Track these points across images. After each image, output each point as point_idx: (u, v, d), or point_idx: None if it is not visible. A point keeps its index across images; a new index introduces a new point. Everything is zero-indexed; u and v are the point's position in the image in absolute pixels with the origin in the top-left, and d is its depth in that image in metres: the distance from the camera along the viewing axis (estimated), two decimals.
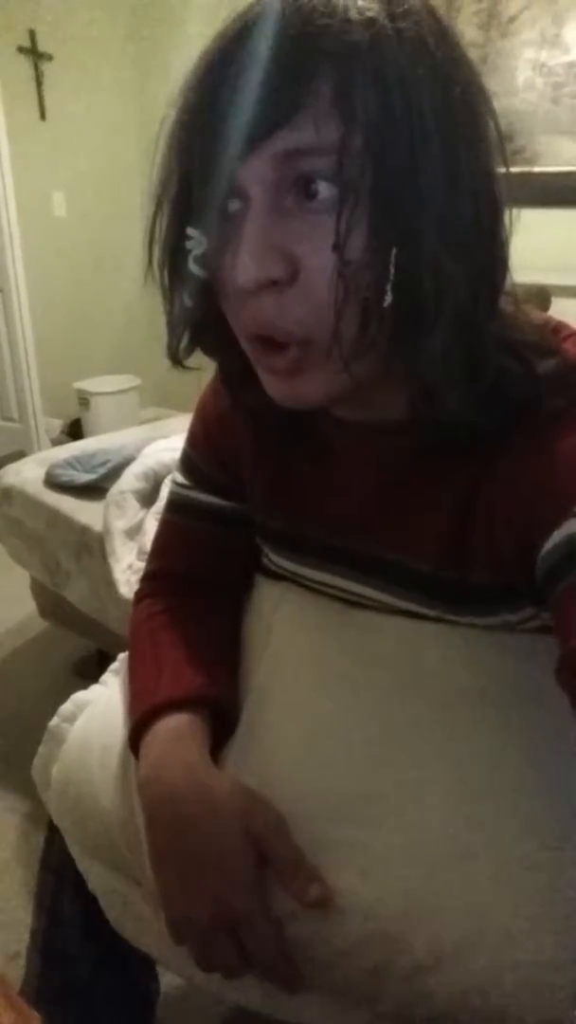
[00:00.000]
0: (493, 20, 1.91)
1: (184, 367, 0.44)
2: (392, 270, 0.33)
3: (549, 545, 0.37)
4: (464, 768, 0.43)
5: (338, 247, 0.33)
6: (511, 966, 0.37)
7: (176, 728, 0.47)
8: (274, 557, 0.57)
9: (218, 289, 0.39)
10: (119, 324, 2.93)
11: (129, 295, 2.90)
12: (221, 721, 0.50)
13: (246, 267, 0.34)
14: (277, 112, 0.32)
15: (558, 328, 0.42)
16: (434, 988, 0.39)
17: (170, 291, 0.40)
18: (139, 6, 2.66)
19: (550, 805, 0.42)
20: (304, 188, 0.34)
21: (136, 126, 2.81)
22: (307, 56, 0.32)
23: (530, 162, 1.86)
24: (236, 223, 0.36)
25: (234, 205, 0.36)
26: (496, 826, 0.41)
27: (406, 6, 0.33)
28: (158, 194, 0.39)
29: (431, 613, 0.49)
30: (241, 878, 0.41)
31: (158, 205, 0.39)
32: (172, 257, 0.39)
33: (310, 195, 0.34)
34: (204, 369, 0.46)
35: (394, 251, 0.33)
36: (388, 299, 0.33)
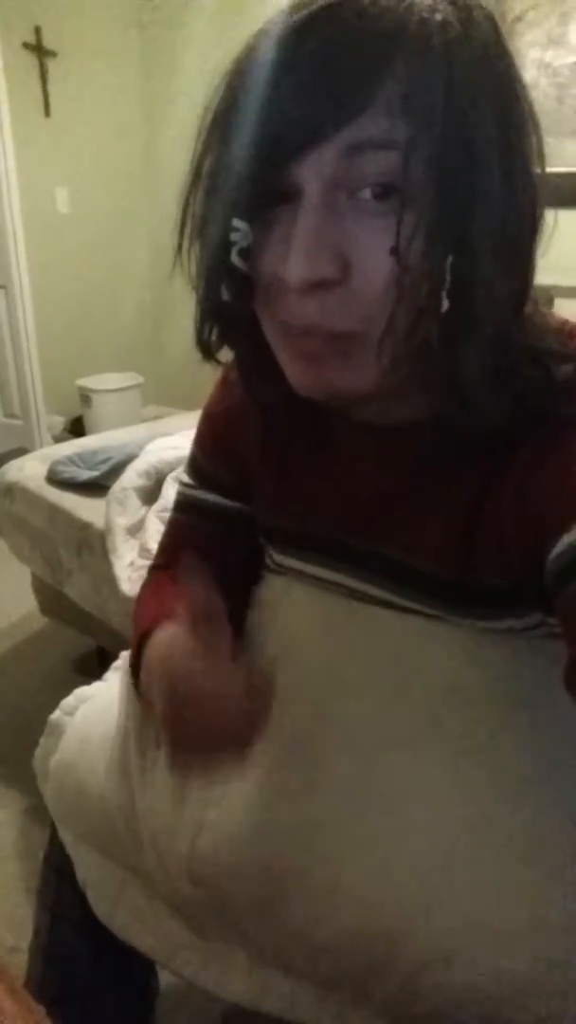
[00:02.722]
0: (499, 20, 1.90)
1: (217, 361, 0.43)
2: (448, 278, 0.33)
3: (558, 550, 0.37)
4: (465, 770, 0.44)
5: (397, 251, 0.32)
6: (508, 966, 0.38)
7: (173, 631, 0.46)
8: (278, 556, 0.57)
9: (253, 279, 0.38)
10: (122, 321, 2.93)
11: (132, 293, 2.90)
12: None
13: (297, 265, 0.34)
14: (346, 106, 0.31)
15: (574, 332, 0.42)
16: (430, 986, 0.39)
17: (201, 281, 0.39)
18: (144, 3, 2.66)
19: (551, 807, 0.42)
20: (362, 187, 0.33)
21: (140, 123, 2.81)
22: (380, 52, 0.31)
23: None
24: (281, 216, 0.35)
25: (283, 198, 0.35)
26: (497, 828, 0.41)
27: (474, 12, 0.33)
28: (192, 179, 0.37)
29: (434, 614, 0.49)
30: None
31: (191, 189, 0.38)
32: (206, 246, 0.38)
33: (373, 195, 0.33)
34: (222, 362, 0.45)
35: (450, 258, 0.32)
36: (445, 305, 0.33)
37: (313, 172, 0.33)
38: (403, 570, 0.48)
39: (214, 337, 0.41)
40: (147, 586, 0.59)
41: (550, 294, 1.53)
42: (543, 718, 0.45)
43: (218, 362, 0.43)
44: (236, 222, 0.35)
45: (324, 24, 0.32)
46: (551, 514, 0.38)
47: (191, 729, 0.40)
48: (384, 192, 0.33)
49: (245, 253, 0.36)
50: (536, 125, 0.35)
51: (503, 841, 0.41)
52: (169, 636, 0.46)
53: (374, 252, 0.33)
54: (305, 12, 0.32)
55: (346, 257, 0.34)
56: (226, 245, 0.35)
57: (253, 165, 0.34)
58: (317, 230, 0.33)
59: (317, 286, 0.34)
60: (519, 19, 1.89)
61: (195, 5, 2.48)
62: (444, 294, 0.33)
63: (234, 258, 0.35)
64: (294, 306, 0.36)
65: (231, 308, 0.38)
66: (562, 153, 1.85)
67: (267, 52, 0.33)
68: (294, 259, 0.34)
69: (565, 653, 0.37)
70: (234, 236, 0.35)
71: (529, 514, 0.40)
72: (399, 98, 0.31)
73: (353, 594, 0.53)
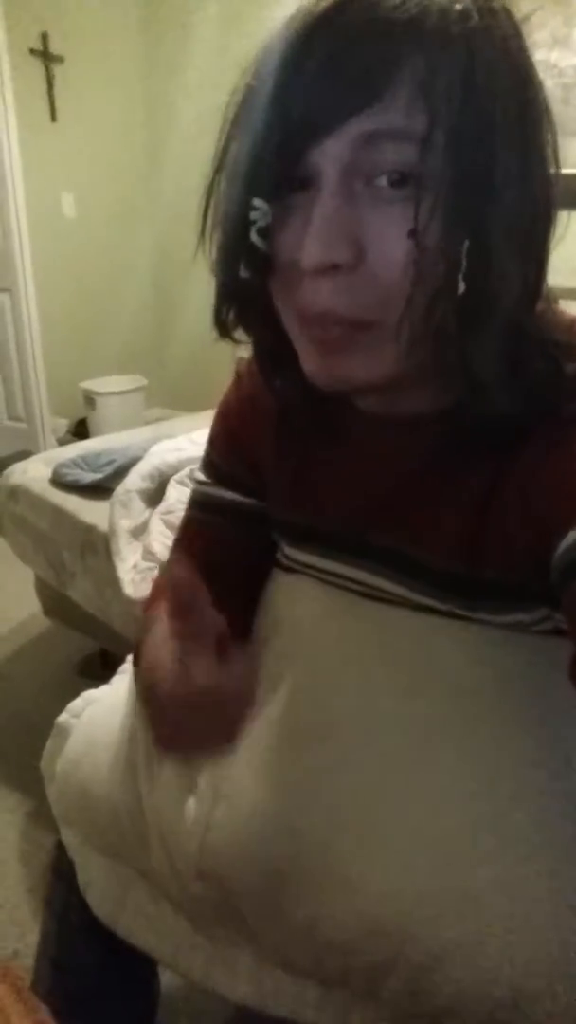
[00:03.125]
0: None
1: (234, 340, 0.44)
2: (464, 262, 0.33)
3: (564, 545, 0.37)
4: (474, 768, 0.43)
5: (416, 234, 0.33)
6: (513, 966, 0.37)
7: (161, 631, 0.48)
8: (289, 551, 0.57)
9: (271, 263, 0.38)
10: (126, 325, 2.94)
11: (136, 296, 2.91)
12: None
13: (313, 249, 0.34)
14: (364, 93, 0.32)
15: None
16: (436, 985, 0.39)
17: (225, 263, 0.40)
18: (150, 9, 2.67)
19: (560, 805, 0.41)
20: (379, 174, 0.34)
21: (145, 128, 2.83)
22: (400, 40, 0.31)
23: None
24: (299, 201, 0.36)
25: (302, 183, 0.35)
26: (505, 826, 0.41)
27: (493, 4, 0.33)
28: (217, 164, 0.38)
29: (443, 608, 0.49)
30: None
31: (216, 175, 0.38)
32: (229, 228, 0.38)
33: (389, 182, 0.34)
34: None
35: (467, 243, 0.33)
36: (461, 288, 0.33)
37: (330, 158, 0.34)
38: (414, 564, 0.48)
39: (231, 317, 0.42)
40: (159, 586, 0.59)
41: (555, 295, 1.53)
42: (552, 715, 0.45)
43: (234, 340, 0.44)
44: (256, 201, 0.36)
45: (344, 12, 0.32)
46: (556, 510, 0.38)
47: (174, 730, 0.44)
48: (401, 179, 0.33)
49: (264, 232, 0.36)
50: (551, 121, 0.36)
51: (511, 839, 0.40)
52: (155, 638, 0.48)
53: (389, 238, 0.34)
54: (325, 4, 0.33)
55: (362, 244, 0.35)
56: (246, 224, 0.36)
57: (273, 149, 0.34)
58: (333, 216, 0.34)
59: (331, 270, 0.35)
60: (524, 20, 1.89)
61: (200, 11, 2.49)
62: (460, 276, 0.33)
63: (253, 236, 0.36)
64: (309, 292, 0.37)
65: (249, 287, 0.39)
66: (567, 154, 1.85)
67: (288, 40, 0.34)
68: (309, 243, 0.34)
69: (571, 648, 0.37)
70: (253, 215, 0.36)
71: (535, 510, 0.40)
72: (417, 87, 0.31)
73: (364, 589, 0.53)
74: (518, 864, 0.40)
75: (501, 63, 0.33)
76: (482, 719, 0.46)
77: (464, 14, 0.32)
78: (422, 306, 0.34)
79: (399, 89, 0.32)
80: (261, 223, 0.36)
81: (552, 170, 0.35)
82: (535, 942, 0.38)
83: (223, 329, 0.43)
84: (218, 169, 0.39)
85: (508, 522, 0.42)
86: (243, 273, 0.38)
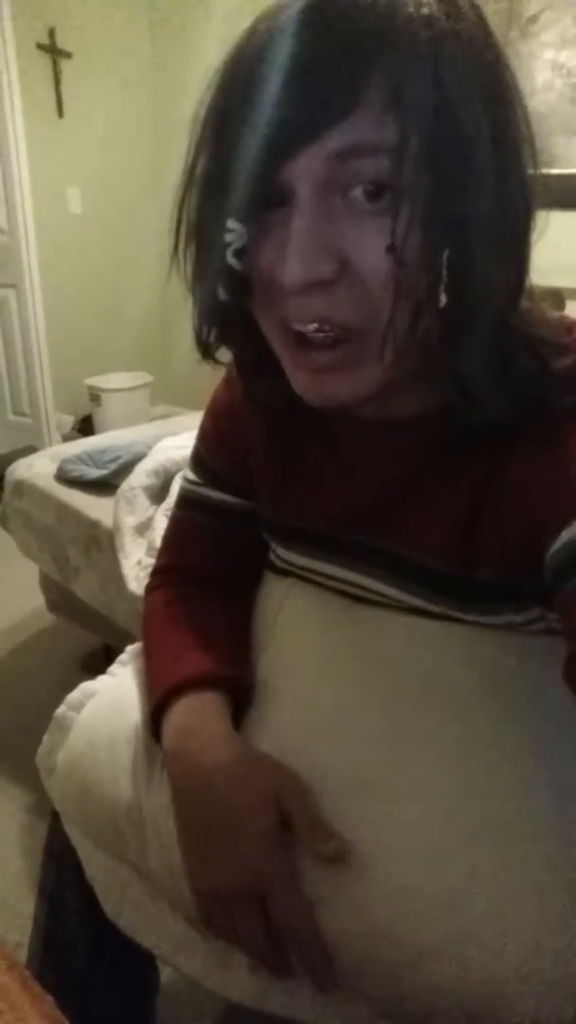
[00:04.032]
0: (513, 20, 1.90)
1: (215, 361, 0.44)
2: (445, 272, 0.33)
3: (557, 545, 0.37)
4: (465, 766, 0.43)
5: (394, 249, 0.32)
6: (506, 963, 0.37)
7: (198, 704, 0.48)
8: (281, 552, 0.57)
9: (250, 281, 0.38)
10: (132, 321, 2.94)
11: (142, 293, 2.91)
12: (240, 701, 0.51)
13: (294, 268, 0.34)
14: (333, 108, 0.31)
15: (573, 327, 0.42)
16: (422, 984, 0.39)
17: (201, 283, 0.39)
18: (158, 5, 2.67)
19: (551, 804, 0.41)
20: (356, 188, 0.33)
21: (153, 124, 2.82)
22: (367, 51, 0.31)
23: (547, 164, 1.85)
24: (276, 219, 0.35)
25: (277, 201, 0.35)
26: (495, 825, 0.41)
27: (459, 6, 0.32)
28: (187, 181, 0.38)
29: (436, 609, 0.49)
30: (268, 841, 0.41)
31: (185, 191, 0.38)
32: (204, 248, 0.38)
33: (368, 197, 0.33)
34: (221, 362, 0.45)
35: (446, 253, 0.32)
36: (443, 300, 0.33)
37: (304, 175, 0.33)
38: (406, 565, 0.48)
39: (213, 338, 0.42)
40: (158, 611, 0.58)
41: (561, 296, 1.52)
42: (545, 715, 0.45)
43: (216, 362, 0.44)
44: (230, 223, 0.35)
45: (309, 25, 0.31)
46: (548, 510, 0.38)
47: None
48: (377, 191, 0.33)
49: (240, 253, 0.36)
50: (527, 119, 0.35)
51: (501, 838, 0.41)
52: (194, 718, 0.47)
53: (371, 251, 0.34)
54: (290, 12, 0.32)
55: (343, 256, 0.34)
56: (222, 246, 0.36)
57: (245, 167, 0.34)
58: (311, 232, 0.34)
59: (315, 285, 0.34)
60: (533, 20, 1.88)
61: (207, 6, 2.49)
62: (442, 288, 0.33)
63: (229, 259, 0.36)
64: (296, 306, 0.36)
65: (229, 308, 0.39)
66: (574, 154, 1.85)
67: (255, 53, 0.33)
68: (290, 261, 0.34)
69: (564, 648, 0.37)
70: (229, 237, 0.35)
71: (528, 510, 0.40)
72: (387, 98, 0.31)
73: (357, 591, 0.54)
74: (507, 863, 0.40)
75: (471, 64, 0.32)
76: (473, 719, 0.46)
77: (430, 19, 0.31)
78: (406, 319, 0.34)
79: (369, 101, 0.31)
80: (237, 245, 0.35)
81: (530, 171, 0.35)
82: (522, 941, 0.38)
83: (205, 351, 0.42)
84: (188, 185, 0.38)
85: (500, 522, 0.42)
86: (222, 296, 0.38)
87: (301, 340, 0.38)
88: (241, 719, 0.50)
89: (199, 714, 0.48)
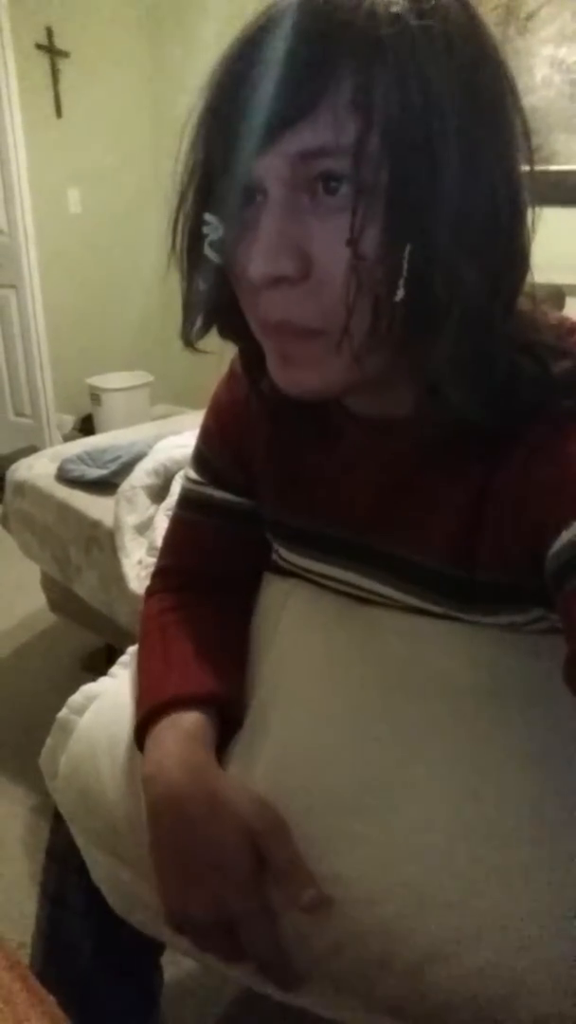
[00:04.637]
0: (511, 16, 1.89)
1: (196, 349, 0.44)
2: (405, 267, 0.33)
3: (557, 546, 0.37)
4: (469, 766, 0.43)
5: (352, 242, 0.33)
6: (509, 962, 0.37)
7: (181, 726, 0.47)
8: (284, 553, 0.57)
9: (234, 278, 0.39)
10: (132, 321, 2.94)
11: (142, 292, 2.91)
12: (227, 720, 0.50)
13: (258, 263, 0.35)
14: (294, 109, 0.32)
15: (574, 328, 0.42)
16: (431, 982, 0.39)
17: (188, 275, 0.41)
18: (155, 3, 2.66)
19: (553, 803, 0.41)
20: (320, 186, 0.34)
21: (151, 123, 2.82)
22: (328, 52, 0.31)
23: (547, 160, 1.85)
24: (253, 216, 0.36)
25: (253, 198, 0.36)
26: (498, 823, 0.41)
27: (438, 2, 0.32)
28: (183, 182, 0.39)
29: (438, 610, 0.49)
30: (240, 878, 0.41)
31: (183, 192, 0.39)
32: (192, 242, 0.39)
33: (327, 191, 0.34)
34: (218, 356, 0.46)
35: (408, 248, 0.33)
36: (400, 294, 0.33)
37: (271, 173, 0.34)
38: (407, 566, 0.48)
39: (196, 328, 0.43)
40: (153, 619, 0.58)
41: (561, 293, 1.52)
42: (546, 715, 0.45)
43: (196, 350, 0.45)
44: (207, 216, 0.37)
45: (279, 26, 0.32)
46: (549, 510, 0.38)
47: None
48: (336, 187, 0.33)
49: (218, 246, 0.37)
50: (520, 113, 0.35)
51: (505, 837, 0.40)
52: (176, 744, 0.47)
53: (333, 247, 0.34)
54: (269, 13, 0.33)
55: (308, 255, 0.35)
56: (202, 238, 0.37)
57: (220, 164, 0.35)
58: (277, 228, 0.34)
59: (279, 282, 0.35)
60: (532, 16, 1.88)
61: (205, 5, 2.48)
62: (400, 283, 0.33)
63: (207, 250, 0.37)
64: (263, 303, 0.37)
65: (210, 299, 0.40)
66: (575, 151, 1.85)
67: (236, 54, 0.34)
68: (255, 257, 0.35)
69: (565, 648, 0.37)
70: (205, 229, 0.37)
71: (528, 511, 0.40)
72: (347, 98, 0.31)
73: (359, 592, 0.53)
74: (510, 862, 0.40)
75: (443, 62, 0.31)
76: (476, 719, 0.46)
77: (395, 17, 0.31)
78: (366, 314, 0.34)
79: (330, 102, 0.31)
80: (213, 236, 0.37)
81: (521, 165, 0.35)
82: (530, 943, 0.37)
83: (187, 339, 0.43)
84: (181, 183, 0.39)
85: (501, 522, 0.42)
86: (202, 286, 0.39)
87: (278, 329, 0.39)
88: (228, 736, 0.49)
89: (181, 738, 0.47)
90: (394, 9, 0.31)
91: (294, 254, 0.35)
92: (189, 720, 0.48)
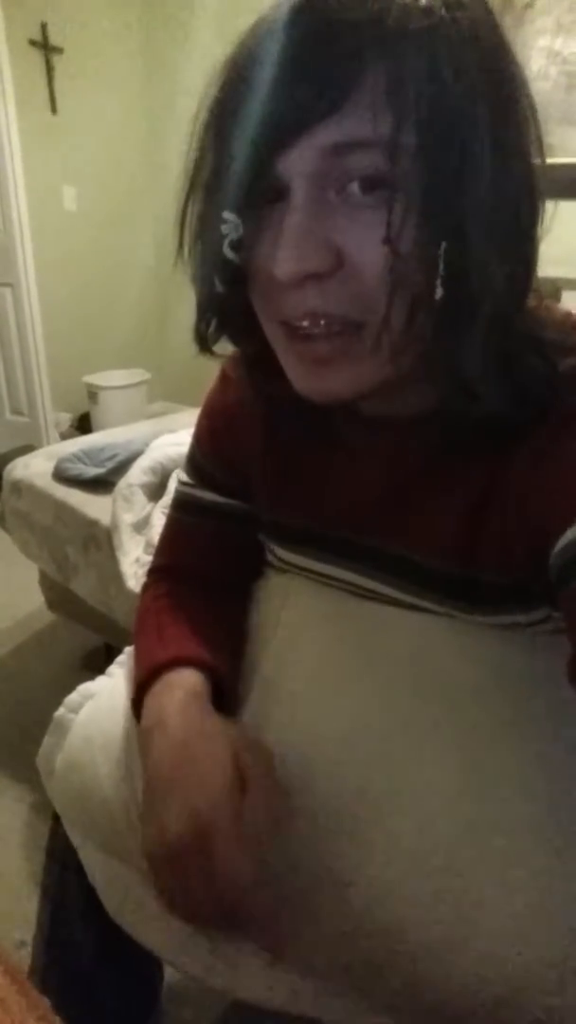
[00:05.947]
0: (507, 7, 1.88)
1: (212, 353, 0.44)
2: (441, 264, 0.32)
3: (561, 544, 0.37)
4: (470, 766, 0.43)
5: (390, 241, 0.32)
6: (510, 962, 0.37)
7: (178, 681, 0.48)
8: (281, 553, 0.57)
9: (248, 276, 0.38)
10: (128, 318, 2.93)
11: (139, 290, 2.90)
12: (220, 689, 0.50)
13: (286, 261, 0.34)
14: (323, 102, 0.31)
15: None
16: (431, 982, 0.39)
17: (199, 276, 0.40)
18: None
19: (555, 803, 0.41)
20: (351, 182, 0.33)
21: (147, 120, 2.80)
22: (361, 43, 0.30)
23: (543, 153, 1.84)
24: (273, 214, 0.35)
25: (271, 195, 0.35)
26: (499, 822, 0.41)
27: None
28: (191, 175, 0.38)
29: (439, 610, 0.49)
30: (217, 792, 0.40)
31: (191, 187, 0.38)
32: (204, 241, 0.38)
33: (361, 188, 0.33)
34: (219, 354, 0.45)
35: (443, 245, 0.32)
36: (439, 293, 0.33)
37: (298, 169, 0.33)
38: (409, 567, 0.48)
39: (211, 330, 0.42)
40: (148, 606, 0.58)
41: (557, 286, 1.52)
42: (549, 714, 0.44)
43: (213, 354, 0.44)
44: (226, 214, 0.35)
45: (302, 19, 0.31)
46: (554, 510, 0.38)
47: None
48: (372, 185, 0.33)
49: (237, 245, 0.36)
50: (533, 108, 0.35)
51: (510, 835, 0.40)
52: (172, 693, 0.46)
53: (367, 244, 0.33)
54: (285, 8, 0.32)
55: (338, 249, 0.34)
56: (219, 238, 0.36)
57: (240, 162, 0.34)
58: (304, 226, 0.34)
59: (308, 278, 0.35)
60: (529, 6, 1.87)
61: (200, 1, 2.47)
62: (439, 282, 0.33)
63: (225, 250, 0.36)
64: (291, 300, 0.36)
65: (227, 301, 0.39)
66: (572, 143, 1.83)
67: (253, 49, 0.33)
68: (282, 255, 0.34)
69: (568, 648, 0.37)
70: (224, 228, 0.36)
71: (532, 510, 0.40)
72: (381, 90, 0.31)
73: (358, 591, 0.53)
74: (513, 862, 0.39)
75: (470, 55, 0.31)
76: (478, 718, 0.45)
77: (427, 10, 0.30)
78: (403, 312, 0.34)
79: (362, 95, 0.31)
80: (232, 236, 0.36)
81: (536, 160, 0.34)
82: (529, 943, 0.37)
83: (203, 342, 0.42)
84: (189, 182, 0.38)
85: (505, 522, 0.42)
86: (219, 287, 0.38)
87: (297, 334, 0.38)
88: (221, 708, 0.49)
89: (178, 685, 0.47)
90: (424, 2, 0.31)
91: (322, 249, 0.34)
92: (187, 677, 0.48)
